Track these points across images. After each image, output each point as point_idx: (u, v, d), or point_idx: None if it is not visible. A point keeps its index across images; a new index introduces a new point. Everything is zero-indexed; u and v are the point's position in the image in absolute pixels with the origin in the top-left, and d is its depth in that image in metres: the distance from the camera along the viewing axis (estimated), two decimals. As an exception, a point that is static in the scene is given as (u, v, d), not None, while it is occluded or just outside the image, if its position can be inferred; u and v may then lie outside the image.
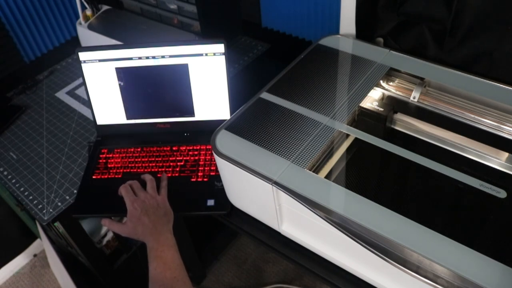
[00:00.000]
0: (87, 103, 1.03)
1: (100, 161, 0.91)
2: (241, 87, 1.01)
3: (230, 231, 1.65)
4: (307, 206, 0.60)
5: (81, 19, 1.23)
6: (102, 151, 0.93)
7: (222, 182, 0.79)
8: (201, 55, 0.88)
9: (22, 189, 0.92)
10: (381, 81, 0.81)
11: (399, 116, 0.77)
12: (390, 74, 0.83)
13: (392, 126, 0.78)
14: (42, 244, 1.67)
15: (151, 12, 1.18)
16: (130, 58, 0.89)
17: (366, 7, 0.86)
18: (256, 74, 1.15)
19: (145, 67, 0.90)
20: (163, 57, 0.89)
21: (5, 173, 0.97)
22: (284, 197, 0.64)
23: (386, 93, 0.81)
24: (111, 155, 0.92)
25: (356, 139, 0.72)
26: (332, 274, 0.69)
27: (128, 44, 1.05)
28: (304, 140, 0.69)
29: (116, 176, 0.88)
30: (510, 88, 0.74)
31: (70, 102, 1.14)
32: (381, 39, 0.90)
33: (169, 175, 0.86)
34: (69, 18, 1.37)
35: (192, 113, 0.93)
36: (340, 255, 0.67)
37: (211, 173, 0.86)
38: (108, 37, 1.16)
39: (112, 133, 0.97)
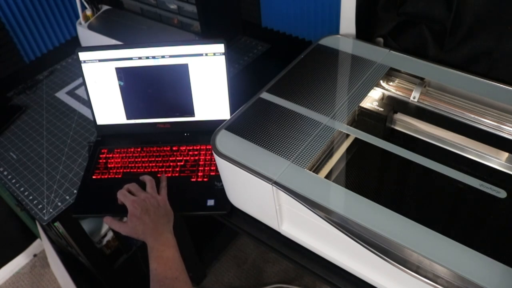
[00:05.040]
0: (87, 103, 1.03)
1: (100, 161, 0.91)
2: (241, 87, 1.01)
3: (230, 231, 1.65)
4: (307, 206, 0.60)
5: (81, 19, 1.23)
6: (102, 151, 0.93)
7: (222, 182, 0.79)
8: (201, 55, 0.88)
9: (22, 189, 0.92)
10: (381, 81, 0.81)
11: (399, 116, 0.77)
12: (390, 74, 0.83)
13: (392, 126, 0.78)
14: (42, 244, 1.67)
15: (151, 12, 1.18)
16: (130, 58, 0.89)
17: (366, 7, 0.86)
18: (256, 74, 1.15)
19: (145, 67, 0.90)
20: (163, 57, 0.89)
21: (5, 173, 0.97)
22: (284, 197, 0.64)
23: (386, 93, 0.81)
24: (111, 155, 0.92)
25: (356, 139, 0.72)
26: (332, 274, 0.69)
27: (128, 44, 1.05)
28: (304, 140, 0.69)
29: (116, 176, 0.88)
30: (510, 88, 0.74)
31: (70, 102, 1.14)
32: (381, 39, 0.90)
33: (169, 175, 0.86)
34: (69, 18, 1.37)
35: (192, 113, 0.93)
36: (340, 255, 0.67)
37: (211, 173, 0.86)
38: (108, 37, 1.16)
39: (112, 133, 0.97)
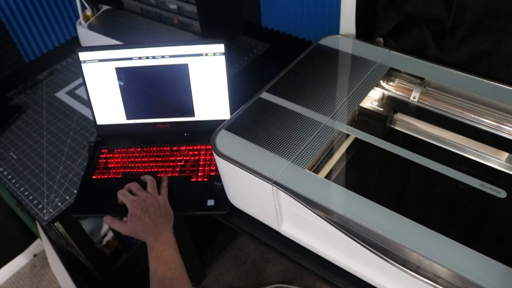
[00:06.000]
0: (87, 103, 1.03)
1: (100, 161, 0.91)
2: (241, 87, 1.01)
3: (230, 231, 1.65)
4: (307, 206, 0.60)
5: (81, 19, 1.23)
6: (102, 151, 0.93)
7: (222, 182, 0.79)
8: (201, 55, 0.88)
9: (22, 189, 0.92)
10: (381, 81, 0.81)
11: (399, 116, 0.77)
12: (390, 74, 0.83)
13: (392, 126, 0.78)
14: (42, 244, 1.67)
15: (151, 12, 1.18)
16: (130, 58, 0.89)
17: (366, 7, 0.86)
18: (256, 74, 1.15)
19: (145, 67, 0.90)
20: (163, 57, 0.89)
21: (5, 173, 0.97)
22: (284, 197, 0.64)
23: (386, 93, 0.81)
24: (111, 155, 0.92)
25: (356, 139, 0.72)
26: (332, 274, 0.69)
27: (128, 44, 1.05)
28: (304, 140, 0.69)
29: (116, 176, 0.88)
30: (510, 88, 0.74)
31: (70, 102, 1.14)
32: (381, 39, 0.90)
33: (169, 175, 0.86)
34: (69, 18, 1.37)
35: (192, 113, 0.93)
36: (340, 255, 0.67)
37: (211, 173, 0.86)
38: (108, 37, 1.15)
39: (112, 133, 0.97)
